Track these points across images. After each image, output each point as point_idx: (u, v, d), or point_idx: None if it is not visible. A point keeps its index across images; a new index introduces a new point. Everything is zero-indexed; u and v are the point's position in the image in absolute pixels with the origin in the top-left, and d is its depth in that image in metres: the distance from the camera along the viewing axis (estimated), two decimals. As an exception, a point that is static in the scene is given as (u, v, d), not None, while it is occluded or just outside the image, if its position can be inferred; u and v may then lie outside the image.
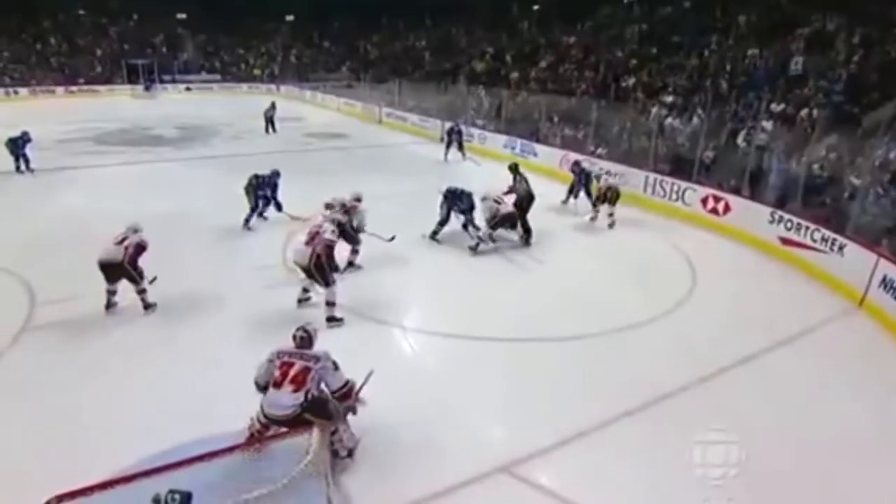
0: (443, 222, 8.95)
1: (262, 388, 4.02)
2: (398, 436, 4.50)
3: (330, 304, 6.24)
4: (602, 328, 6.35)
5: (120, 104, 27.83)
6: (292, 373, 3.92)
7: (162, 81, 35.47)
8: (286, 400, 3.87)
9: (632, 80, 15.81)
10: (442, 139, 18.35)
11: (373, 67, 29.74)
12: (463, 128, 16.58)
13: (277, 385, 3.92)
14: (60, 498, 2.52)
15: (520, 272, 8.10)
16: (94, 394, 5.01)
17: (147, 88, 33.91)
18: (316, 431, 2.89)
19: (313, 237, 6.22)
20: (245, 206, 9.31)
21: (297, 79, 34.61)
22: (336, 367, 4.05)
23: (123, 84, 33.95)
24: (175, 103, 28.63)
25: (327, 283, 6.21)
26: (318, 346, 4.24)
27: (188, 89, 35.20)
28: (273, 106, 20.00)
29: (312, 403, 3.90)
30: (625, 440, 4.59)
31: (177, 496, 3.21)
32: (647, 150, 12.25)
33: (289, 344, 4.13)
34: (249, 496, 2.72)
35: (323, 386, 4.02)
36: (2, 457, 4.26)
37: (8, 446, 4.36)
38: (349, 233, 7.39)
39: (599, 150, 13.58)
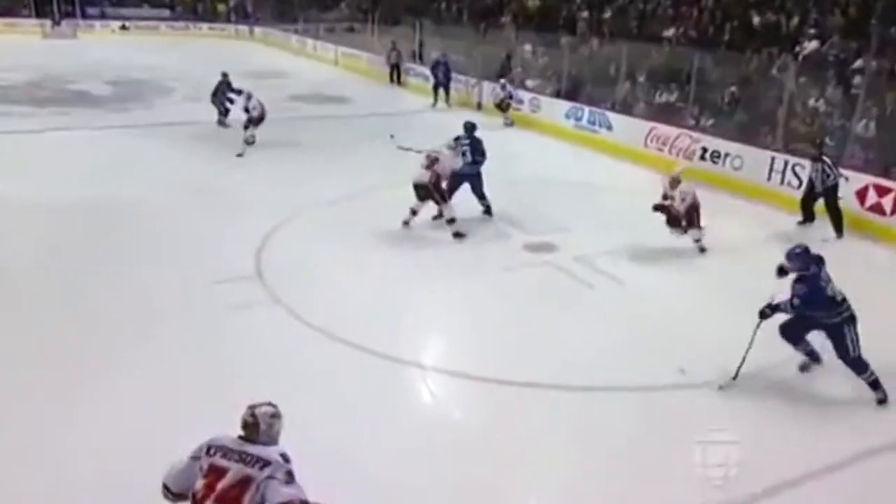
0: None
1: (174, 497, 3.55)
2: None
3: (451, 221, 9.39)
4: (694, 378, 6.23)
5: (27, 46, 28.47)
6: (222, 486, 3.38)
7: (85, 17, 35.99)
8: None
9: (753, 20, 15.47)
10: (479, 105, 18.46)
11: (383, 4, 29.87)
12: (451, 62, 18.10)
13: (197, 502, 3.42)
14: None
15: (577, 296, 8.01)
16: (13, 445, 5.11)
17: (57, 23, 33.88)
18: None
19: (433, 163, 9.21)
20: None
21: (279, 18, 34.96)
22: (290, 478, 3.45)
23: (30, 17, 34.35)
24: (106, 47, 29.22)
25: (444, 199, 9.37)
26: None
27: (124, 28, 35.74)
28: (395, 46, 22.66)
29: None
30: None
31: None
32: (775, 120, 11.94)
33: (228, 434, 3.61)
34: None
35: None
36: None
37: None
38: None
39: (703, 122, 13.34)
